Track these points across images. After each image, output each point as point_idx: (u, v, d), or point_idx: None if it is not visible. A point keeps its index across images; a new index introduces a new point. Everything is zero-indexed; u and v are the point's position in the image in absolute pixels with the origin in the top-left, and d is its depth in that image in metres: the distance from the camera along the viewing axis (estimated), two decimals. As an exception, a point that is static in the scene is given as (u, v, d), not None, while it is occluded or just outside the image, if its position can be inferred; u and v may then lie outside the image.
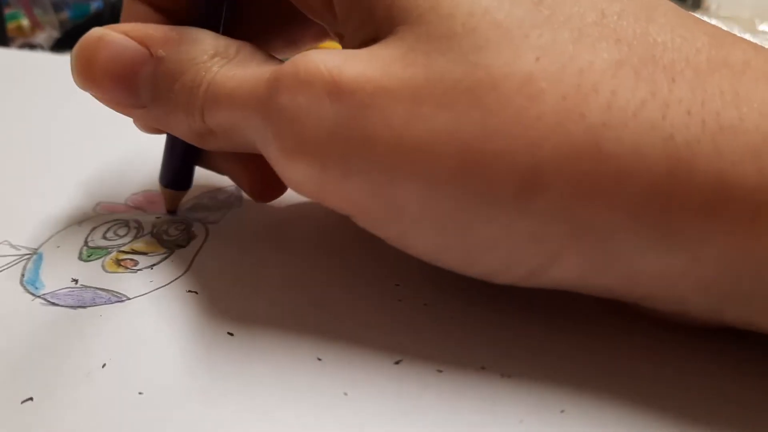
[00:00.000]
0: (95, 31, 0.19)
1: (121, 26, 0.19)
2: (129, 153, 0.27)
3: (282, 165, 0.17)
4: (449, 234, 0.16)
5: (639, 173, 0.14)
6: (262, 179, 0.22)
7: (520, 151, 0.14)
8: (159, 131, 0.21)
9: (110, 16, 0.54)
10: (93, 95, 0.19)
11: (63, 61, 0.40)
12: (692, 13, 0.16)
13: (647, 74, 0.14)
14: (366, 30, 0.16)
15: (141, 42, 0.18)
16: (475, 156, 0.14)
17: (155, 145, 0.28)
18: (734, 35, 0.16)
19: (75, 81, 0.19)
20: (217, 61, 0.18)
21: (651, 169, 0.14)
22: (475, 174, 0.14)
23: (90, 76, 0.19)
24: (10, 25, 0.52)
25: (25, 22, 0.53)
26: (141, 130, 0.22)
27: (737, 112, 0.14)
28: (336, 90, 0.15)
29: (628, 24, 0.15)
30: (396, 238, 0.17)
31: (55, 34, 0.52)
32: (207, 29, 0.19)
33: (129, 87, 0.19)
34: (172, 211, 0.23)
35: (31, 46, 0.50)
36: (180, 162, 0.22)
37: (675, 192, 0.14)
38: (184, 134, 0.19)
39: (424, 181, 0.15)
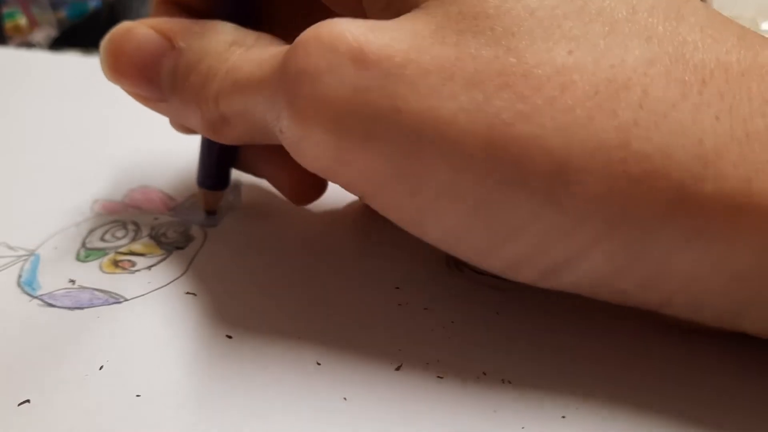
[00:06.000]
0: (124, 24, 0.19)
1: (148, 20, 0.19)
2: (126, 150, 0.27)
3: (295, 134, 0.16)
4: (471, 216, 0.15)
5: (668, 174, 0.14)
6: (302, 179, 0.21)
7: (550, 138, 0.14)
8: (191, 131, 0.21)
9: (108, 15, 0.54)
10: (121, 87, 0.20)
11: (60, 60, 0.39)
12: (719, 12, 0.16)
13: (678, 74, 0.14)
14: (392, 8, 0.16)
15: (164, 34, 0.19)
16: (504, 137, 0.14)
17: (152, 143, 0.27)
18: (762, 36, 0.16)
19: (103, 72, 0.19)
20: (235, 49, 0.18)
21: (680, 171, 0.14)
22: (503, 155, 0.14)
23: (116, 66, 0.19)
24: (8, 24, 0.52)
25: (22, 20, 0.53)
26: (176, 130, 0.22)
27: (763, 121, 0.14)
28: (361, 57, 0.15)
29: (658, 21, 0.15)
30: (411, 219, 0.16)
31: (53, 32, 0.52)
32: (231, 23, 0.19)
33: (151, 79, 0.19)
34: (210, 212, 0.23)
35: (29, 45, 0.49)
36: (215, 162, 0.22)
37: (703, 194, 0.14)
38: (198, 126, 0.19)
39: (450, 156, 0.15)
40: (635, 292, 0.16)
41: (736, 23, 0.16)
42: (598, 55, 0.14)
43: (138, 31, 0.19)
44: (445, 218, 0.16)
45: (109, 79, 0.19)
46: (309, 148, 0.16)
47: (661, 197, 0.14)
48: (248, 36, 0.18)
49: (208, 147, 0.22)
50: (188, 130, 0.22)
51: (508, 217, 0.15)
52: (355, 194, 0.17)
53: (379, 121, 0.15)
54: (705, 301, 0.15)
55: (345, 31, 0.15)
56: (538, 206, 0.14)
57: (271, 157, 0.22)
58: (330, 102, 0.15)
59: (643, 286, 0.15)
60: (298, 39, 0.16)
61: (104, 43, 0.19)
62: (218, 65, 0.18)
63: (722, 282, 0.15)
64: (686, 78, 0.14)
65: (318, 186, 0.22)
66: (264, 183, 0.24)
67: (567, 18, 0.15)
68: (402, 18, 0.16)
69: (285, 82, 0.16)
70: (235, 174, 0.24)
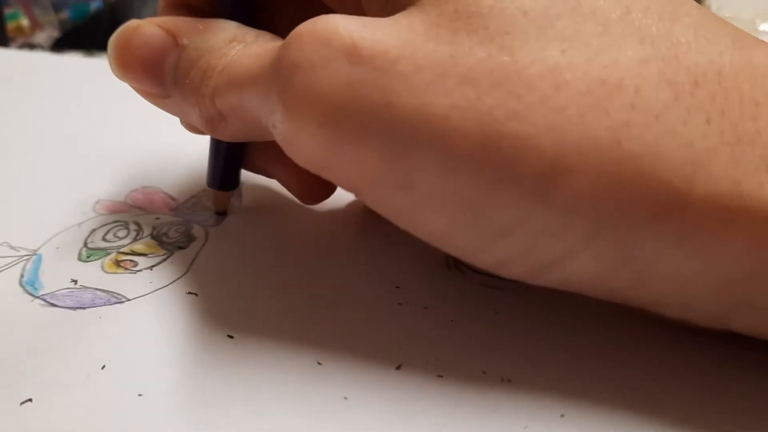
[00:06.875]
0: (132, 22, 0.19)
1: (155, 18, 0.20)
2: (128, 151, 0.27)
3: (288, 129, 0.16)
4: (461, 214, 0.15)
5: (658, 175, 0.14)
6: (311, 178, 0.21)
7: (541, 137, 0.14)
8: (201, 131, 0.21)
9: (110, 16, 0.54)
10: (127, 83, 0.20)
11: (62, 61, 0.40)
12: (714, 13, 0.16)
13: (671, 75, 0.14)
14: (389, 5, 0.16)
15: (169, 32, 0.19)
16: (495, 135, 0.14)
17: (154, 143, 0.28)
18: (755, 37, 0.16)
19: (111, 68, 0.20)
20: (234, 45, 0.18)
21: (670, 173, 0.14)
22: (494, 153, 0.14)
23: (123, 62, 0.19)
24: (10, 25, 0.52)
25: (24, 21, 0.53)
26: (186, 129, 0.22)
27: (754, 125, 0.14)
28: (354, 52, 0.15)
29: (652, 22, 0.15)
30: (403, 215, 0.16)
31: (55, 34, 0.52)
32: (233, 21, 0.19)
33: (156, 75, 0.19)
34: (220, 213, 0.23)
35: (31, 46, 0.50)
36: (225, 162, 0.22)
37: (693, 196, 0.14)
38: (197, 122, 0.19)
39: (441, 153, 0.15)
40: (623, 291, 0.16)
41: (730, 24, 0.16)
42: (591, 55, 0.14)
43: (145, 28, 0.19)
44: (435, 215, 0.16)
45: (116, 74, 0.20)
46: (301, 143, 0.16)
47: (651, 199, 0.14)
48: (248, 33, 0.19)
49: (216, 147, 0.22)
50: (197, 129, 0.22)
51: (498, 215, 0.15)
52: (347, 190, 0.17)
53: (372, 116, 0.15)
54: (693, 302, 0.15)
55: (339, 26, 0.15)
56: (528, 205, 0.15)
57: (279, 155, 0.21)
58: (323, 96, 0.15)
59: (632, 287, 0.15)
60: (291, 33, 0.16)
61: (112, 39, 0.20)
62: (216, 61, 0.18)
63: (710, 285, 0.15)
64: (679, 79, 0.14)
65: (327, 184, 0.22)
66: (265, 183, 0.24)
67: (560, 18, 0.15)
68: (397, 15, 0.16)
69: (278, 75, 0.16)
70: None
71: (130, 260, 0.20)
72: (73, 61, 0.40)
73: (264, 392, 0.16)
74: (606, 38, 0.15)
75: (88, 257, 0.21)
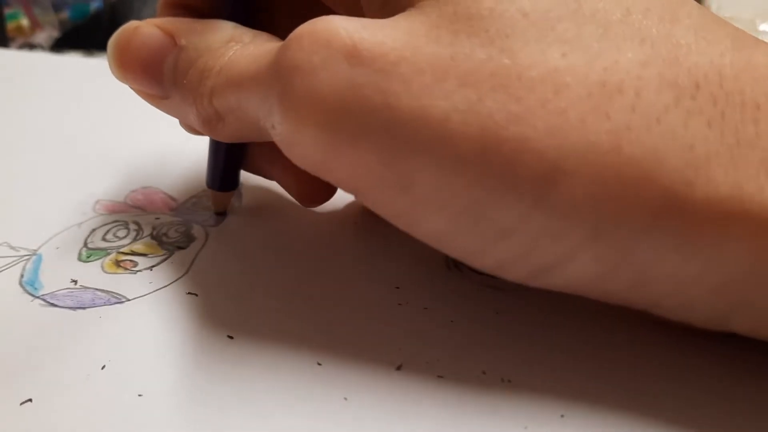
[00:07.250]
0: (131, 23, 0.20)
1: (153, 20, 0.20)
2: (128, 151, 0.27)
3: (287, 130, 0.16)
4: (460, 216, 0.15)
5: (659, 179, 0.14)
6: (310, 180, 0.21)
7: (542, 140, 0.14)
8: (199, 132, 0.21)
9: (110, 16, 0.54)
10: (127, 84, 0.20)
11: (62, 61, 0.40)
12: (714, 13, 0.16)
13: (671, 78, 0.14)
14: (388, 7, 0.16)
15: (167, 32, 0.19)
16: (496, 138, 0.14)
17: (154, 143, 0.28)
18: (755, 38, 0.16)
19: (110, 69, 0.20)
20: (232, 46, 0.18)
21: (670, 177, 0.14)
22: (494, 156, 0.14)
23: (122, 63, 0.20)
24: (10, 25, 0.52)
25: (24, 21, 0.53)
26: (185, 130, 0.22)
27: (755, 128, 0.14)
28: (355, 53, 0.15)
29: (653, 24, 0.15)
30: (402, 217, 0.16)
31: (55, 34, 0.52)
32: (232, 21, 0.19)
33: (154, 76, 0.19)
34: (220, 213, 0.23)
35: (31, 46, 0.50)
36: (224, 163, 0.22)
37: (693, 200, 0.14)
38: (194, 123, 0.19)
39: (441, 156, 0.15)
40: (623, 293, 0.16)
41: (730, 25, 0.16)
42: (592, 58, 0.14)
43: (144, 29, 0.19)
44: (434, 217, 0.16)
45: (116, 75, 0.20)
46: (300, 144, 0.16)
47: (651, 202, 0.14)
48: (246, 34, 0.19)
49: (216, 148, 0.22)
50: (196, 130, 0.22)
51: (497, 218, 0.15)
52: (347, 191, 0.17)
53: (371, 118, 0.15)
54: (693, 304, 0.15)
55: (339, 27, 0.15)
56: (527, 208, 0.14)
57: (278, 157, 0.21)
58: (322, 97, 0.15)
59: (631, 289, 0.15)
60: (291, 35, 0.16)
61: (112, 40, 0.20)
62: (214, 62, 0.18)
63: (709, 287, 0.15)
64: (679, 82, 0.14)
65: (327, 187, 0.22)
66: (265, 183, 0.24)
67: (561, 20, 0.15)
68: (397, 17, 0.16)
69: (277, 76, 0.16)
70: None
71: (130, 260, 0.20)
72: (73, 61, 0.40)
73: (264, 393, 0.16)
74: (606, 40, 0.15)
75: (88, 257, 0.21)
